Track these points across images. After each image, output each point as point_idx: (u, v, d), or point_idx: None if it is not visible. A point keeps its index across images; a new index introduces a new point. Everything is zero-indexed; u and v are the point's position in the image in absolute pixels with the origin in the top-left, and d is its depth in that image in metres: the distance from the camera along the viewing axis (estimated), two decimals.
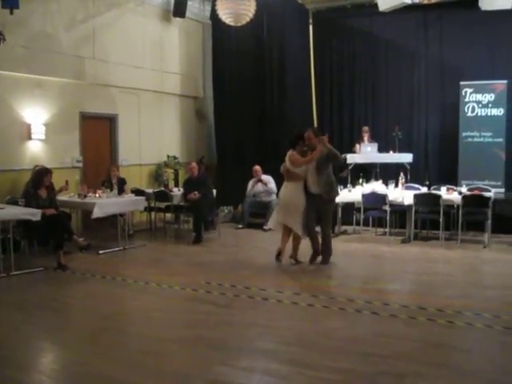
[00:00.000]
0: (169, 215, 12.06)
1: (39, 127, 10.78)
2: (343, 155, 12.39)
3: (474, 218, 10.42)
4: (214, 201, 11.41)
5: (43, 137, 10.86)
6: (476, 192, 10.42)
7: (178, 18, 13.92)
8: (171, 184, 13.01)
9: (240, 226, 12.33)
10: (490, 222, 10.08)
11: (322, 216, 8.56)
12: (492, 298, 6.95)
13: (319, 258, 8.67)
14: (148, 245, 10.66)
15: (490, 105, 12.67)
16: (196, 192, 10.77)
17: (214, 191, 11.61)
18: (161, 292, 7.32)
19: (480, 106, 12.75)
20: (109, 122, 12.63)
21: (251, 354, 5.13)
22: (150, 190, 11.82)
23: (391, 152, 12.62)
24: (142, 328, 5.91)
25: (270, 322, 5.98)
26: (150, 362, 4.90)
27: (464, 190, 10.70)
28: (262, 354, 5.10)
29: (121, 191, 10.88)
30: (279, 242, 8.69)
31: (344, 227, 11.57)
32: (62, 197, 9.88)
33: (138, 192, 11.43)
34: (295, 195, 8.46)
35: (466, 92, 12.85)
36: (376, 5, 11.65)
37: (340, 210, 11.23)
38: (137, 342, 5.47)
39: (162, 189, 11.81)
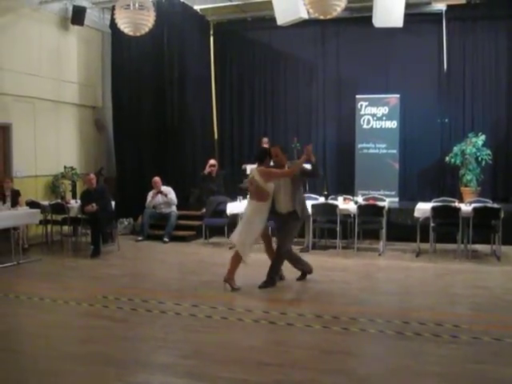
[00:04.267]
0: (66, 228, 11.71)
1: None
2: (243, 166, 12.53)
3: (370, 226, 10.77)
4: (112, 213, 11.17)
5: None
6: (371, 201, 10.74)
7: (76, 26, 13.57)
8: (68, 196, 12.68)
9: (140, 238, 12.10)
10: (384, 230, 10.42)
11: (286, 232, 7.92)
12: (385, 304, 7.20)
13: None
14: (44, 259, 10.28)
15: (384, 117, 13.17)
16: (94, 204, 10.52)
17: (113, 203, 11.38)
18: (56, 308, 7.09)
19: (375, 118, 13.23)
20: (2, 132, 12.09)
21: (148, 368, 5.04)
22: (46, 203, 11.45)
23: None
24: (36, 347, 5.69)
25: (168, 336, 5.93)
26: (46, 381, 4.75)
27: (360, 199, 11.01)
28: (159, 369, 5.04)
29: (14, 204, 10.47)
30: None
31: None
32: None
33: (32, 204, 11.04)
34: (255, 216, 7.70)
35: (361, 105, 13.31)
36: (275, 18, 11.81)
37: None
38: (32, 362, 5.26)
39: (59, 201, 11.48)
